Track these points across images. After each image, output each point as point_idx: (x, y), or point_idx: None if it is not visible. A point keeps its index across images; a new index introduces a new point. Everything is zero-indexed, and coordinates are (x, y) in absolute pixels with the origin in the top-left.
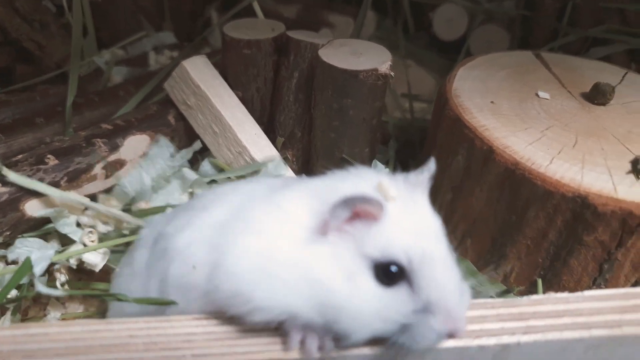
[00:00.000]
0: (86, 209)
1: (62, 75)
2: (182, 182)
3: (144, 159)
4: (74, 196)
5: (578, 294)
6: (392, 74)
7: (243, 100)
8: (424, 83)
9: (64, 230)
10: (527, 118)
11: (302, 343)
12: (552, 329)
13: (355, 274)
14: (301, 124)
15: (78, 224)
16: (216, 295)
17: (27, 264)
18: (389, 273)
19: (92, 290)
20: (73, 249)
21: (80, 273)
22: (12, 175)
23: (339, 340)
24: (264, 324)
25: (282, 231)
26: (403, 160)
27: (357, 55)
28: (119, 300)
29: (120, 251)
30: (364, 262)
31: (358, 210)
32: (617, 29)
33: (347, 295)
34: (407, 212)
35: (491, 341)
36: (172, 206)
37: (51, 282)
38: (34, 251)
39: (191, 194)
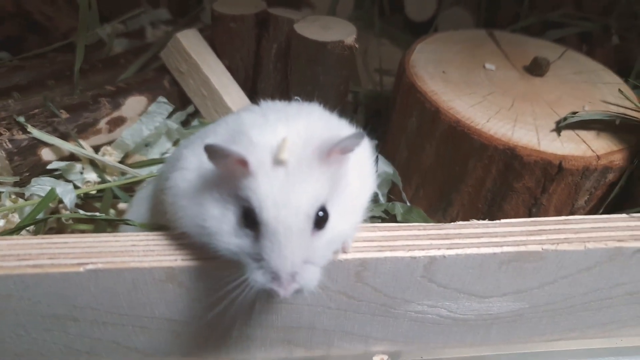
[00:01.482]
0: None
1: (69, 44)
2: (168, 135)
3: (144, 115)
4: (80, 149)
5: (495, 221)
6: (357, 45)
7: (229, 68)
8: (395, 60)
9: (71, 177)
10: (472, 85)
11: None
12: (471, 246)
13: (228, 208)
14: (279, 89)
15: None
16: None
17: (52, 194)
18: (248, 217)
19: (111, 217)
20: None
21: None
22: (35, 131)
23: None
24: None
25: (193, 166)
26: (372, 126)
27: (327, 29)
28: (133, 225)
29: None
30: (236, 201)
31: (230, 159)
32: (572, 13)
33: (217, 225)
34: (289, 178)
35: (421, 253)
36: (165, 159)
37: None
38: (58, 186)
39: (177, 143)
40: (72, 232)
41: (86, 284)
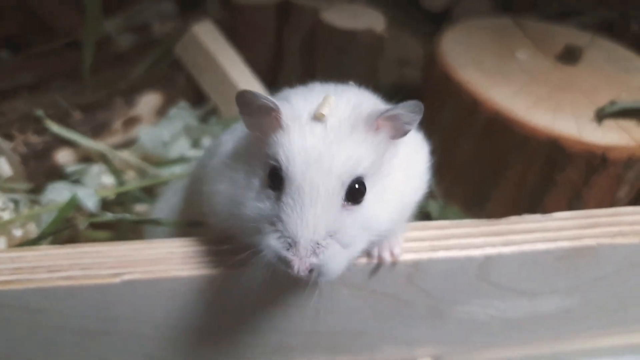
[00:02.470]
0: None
1: (72, 41)
2: (187, 133)
3: (165, 119)
4: (104, 147)
5: (547, 215)
6: (386, 35)
7: (248, 62)
8: (413, 51)
9: (88, 182)
10: (507, 75)
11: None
12: (526, 242)
13: (255, 173)
14: (302, 83)
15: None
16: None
17: (74, 199)
18: (273, 176)
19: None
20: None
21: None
22: (55, 127)
23: None
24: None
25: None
26: None
27: (355, 18)
28: (163, 225)
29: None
30: (263, 163)
31: (262, 110)
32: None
33: (242, 193)
34: (324, 136)
35: (476, 252)
36: (186, 158)
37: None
38: (79, 190)
39: (197, 142)
40: (87, 241)
41: (122, 296)
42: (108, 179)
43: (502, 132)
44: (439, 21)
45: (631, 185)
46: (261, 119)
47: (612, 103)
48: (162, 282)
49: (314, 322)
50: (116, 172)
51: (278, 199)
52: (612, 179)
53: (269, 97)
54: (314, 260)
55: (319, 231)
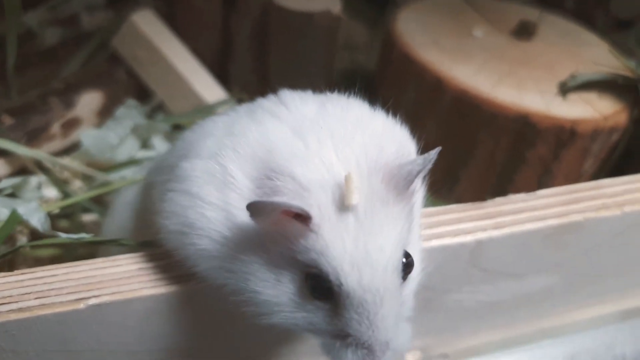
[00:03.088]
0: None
1: None
2: (135, 133)
3: (111, 120)
4: (42, 154)
5: (531, 193)
6: (342, 17)
7: (194, 52)
8: (360, 35)
9: (27, 196)
10: (467, 53)
11: None
12: (516, 223)
13: (285, 273)
14: (256, 72)
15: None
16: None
17: (15, 216)
18: (317, 286)
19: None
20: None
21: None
22: None
23: None
24: None
25: (211, 195)
26: None
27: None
28: (124, 245)
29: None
30: (294, 264)
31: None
32: None
33: (271, 293)
34: (363, 226)
35: (468, 238)
36: (136, 160)
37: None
38: (19, 206)
39: (146, 142)
40: (28, 263)
41: (87, 323)
42: (50, 192)
43: (469, 110)
44: (378, 5)
45: (595, 157)
46: (280, 222)
47: (573, 77)
48: (135, 303)
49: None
50: (58, 182)
51: (334, 311)
52: (580, 152)
53: (290, 203)
54: (389, 354)
55: (390, 330)
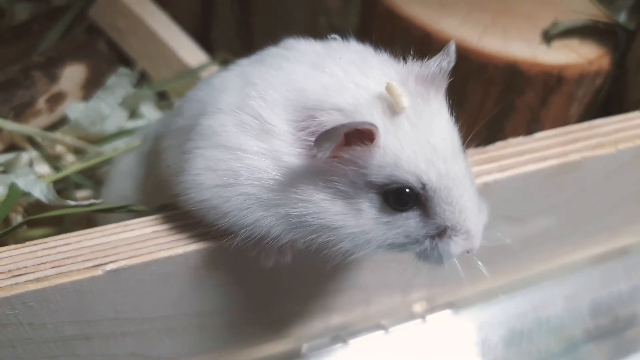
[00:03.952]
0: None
1: None
2: (124, 104)
3: (102, 90)
4: (32, 129)
5: (529, 136)
6: None
7: (174, 18)
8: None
9: (19, 173)
10: (448, 5)
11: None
12: (518, 165)
13: (359, 199)
14: (239, 35)
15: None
16: (184, 200)
17: (15, 190)
18: (400, 198)
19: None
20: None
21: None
22: None
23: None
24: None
25: (252, 145)
26: None
27: None
28: (135, 211)
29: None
30: (369, 188)
31: (353, 134)
32: None
33: (349, 225)
34: (418, 127)
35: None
36: (126, 131)
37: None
38: (17, 180)
39: (134, 112)
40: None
41: (105, 290)
42: (42, 168)
43: (458, 61)
44: None
45: (580, 102)
46: (350, 153)
47: (555, 24)
48: (152, 265)
49: (309, 284)
50: (49, 157)
51: (425, 214)
52: (566, 98)
53: (358, 120)
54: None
55: (477, 207)
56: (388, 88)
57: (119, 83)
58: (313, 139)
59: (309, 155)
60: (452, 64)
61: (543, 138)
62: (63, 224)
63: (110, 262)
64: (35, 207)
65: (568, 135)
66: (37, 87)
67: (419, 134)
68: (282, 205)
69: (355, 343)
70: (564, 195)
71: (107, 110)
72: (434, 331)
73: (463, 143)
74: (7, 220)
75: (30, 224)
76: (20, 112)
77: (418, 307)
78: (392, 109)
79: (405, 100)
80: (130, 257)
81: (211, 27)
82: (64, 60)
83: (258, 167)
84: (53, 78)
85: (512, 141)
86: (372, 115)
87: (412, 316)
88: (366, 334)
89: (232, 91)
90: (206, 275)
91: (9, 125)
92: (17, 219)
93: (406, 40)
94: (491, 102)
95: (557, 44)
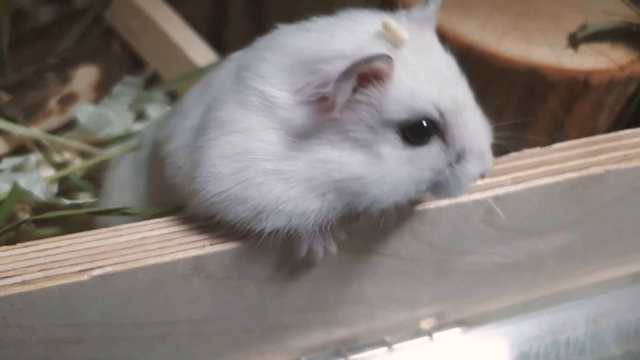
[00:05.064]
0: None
1: None
2: (132, 107)
3: (108, 97)
4: (38, 131)
5: (547, 147)
6: None
7: (187, 19)
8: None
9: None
10: (467, 7)
11: (310, 248)
12: (533, 177)
13: (378, 144)
14: (252, 37)
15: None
16: (201, 196)
17: (17, 189)
18: (420, 131)
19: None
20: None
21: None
22: None
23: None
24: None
25: (259, 122)
26: None
27: None
28: (134, 214)
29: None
30: (386, 129)
31: (366, 74)
32: None
33: (373, 172)
34: (422, 57)
35: (484, 195)
36: (133, 133)
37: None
38: (20, 178)
39: (141, 114)
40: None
41: (92, 295)
42: (48, 172)
43: (477, 66)
44: None
45: (610, 110)
46: (364, 91)
47: (584, 27)
48: (140, 273)
49: (309, 296)
50: (52, 161)
51: (444, 140)
52: (594, 105)
53: (371, 53)
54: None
55: (487, 129)
56: (385, 25)
57: (125, 91)
58: (319, 93)
59: (319, 111)
60: (435, 8)
61: (562, 149)
62: (67, 225)
63: (97, 267)
64: (43, 207)
65: (591, 146)
66: (49, 88)
67: (425, 63)
68: (302, 173)
69: (356, 359)
70: (586, 211)
71: (113, 117)
72: (442, 350)
73: None
74: (15, 220)
75: (39, 223)
76: (32, 113)
77: (425, 324)
78: (394, 43)
79: (404, 33)
80: (117, 264)
81: (224, 29)
82: (77, 62)
83: (269, 141)
84: (65, 79)
85: (527, 152)
86: (378, 50)
87: (418, 333)
88: (369, 350)
89: (231, 82)
90: (197, 284)
91: (16, 128)
92: (25, 217)
93: None
94: (511, 109)
95: (585, 47)
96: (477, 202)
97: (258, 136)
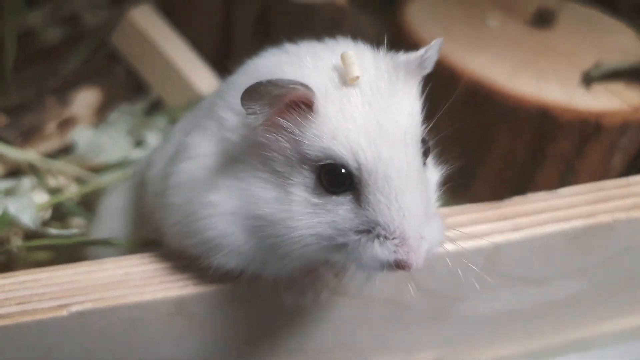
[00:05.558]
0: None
1: None
2: (129, 133)
3: (105, 124)
4: (35, 156)
5: (553, 192)
6: (348, 8)
7: (193, 45)
8: (366, 27)
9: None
10: (481, 42)
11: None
12: (536, 224)
13: (291, 181)
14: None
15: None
16: (162, 226)
17: (5, 217)
18: (335, 179)
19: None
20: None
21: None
22: None
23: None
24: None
25: (210, 150)
26: None
27: None
28: (116, 245)
29: None
30: (303, 166)
31: (293, 101)
32: None
33: (279, 210)
34: (368, 102)
35: (484, 242)
36: (130, 161)
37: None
38: (10, 203)
39: (140, 142)
40: (23, 266)
41: (70, 331)
42: (41, 197)
43: (485, 103)
44: None
45: (624, 152)
46: (282, 112)
47: (597, 66)
48: (120, 310)
49: (298, 339)
50: (47, 186)
51: (358, 202)
52: (606, 147)
53: (289, 78)
54: (425, 246)
55: (422, 215)
56: (342, 56)
57: (122, 117)
58: (250, 110)
59: (246, 128)
60: (433, 58)
61: (568, 195)
62: (62, 251)
63: (76, 303)
64: (35, 233)
65: (599, 192)
66: (48, 112)
67: (369, 110)
68: (229, 204)
69: None
70: (594, 259)
71: (108, 144)
72: None
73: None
74: (8, 243)
75: (32, 248)
76: (29, 136)
77: None
78: (344, 79)
79: (356, 70)
80: (97, 300)
81: (229, 57)
82: (79, 84)
83: (211, 167)
84: (65, 102)
85: (531, 197)
86: (314, 81)
87: None
88: None
89: (207, 107)
90: (180, 323)
91: (11, 152)
92: (17, 242)
93: (431, 78)
94: (521, 148)
95: (599, 87)
96: (477, 248)
97: (204, 163)
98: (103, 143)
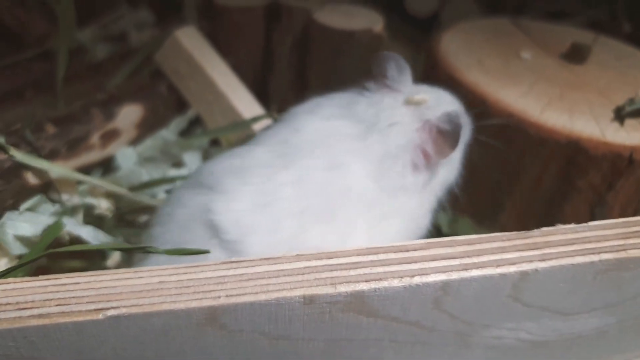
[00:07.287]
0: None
1: (43, 51)
2: (164, 153)
3: (143, 144)
4: (72, 172)
5: (584, 224)
6: (384, 35)
7: (234, 67)
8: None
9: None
10: (513, 75)
11: None
12: (564, 255)
13: None
14: (294, 88)
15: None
16: None
17: (59, 225)
18: None
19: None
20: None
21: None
22: (17, 154)
23: None
24: None
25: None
26: None
27: (351, 17)
28: (155, 252)
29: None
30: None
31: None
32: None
33: None
34: None
35: (511, 269)
36: (169, 179)
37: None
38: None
39: (177, 163)
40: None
41: (105, 334)
42: (79, 212)
43: (516, 134)
44: (422, 27)
45: None
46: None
47: (632, 101)
48: (154, 317)
49: (325, 357)
50: (83, 202)
51: None
52: (639, 182)
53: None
54: None
55: None
56: (408, 99)
57: (155, 145)
58: None
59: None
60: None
61: (599, 228)
62: (94, 261)
63: (112, 307)
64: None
65: (630, 227)
66: (93, 123)
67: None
68: None
69: None
70: (623, 295)
71: (145, 177)
72: None
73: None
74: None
75: (70, 255)
76: (74, 146)
77: None
78: None
79: (422, 96)
80: (133, 306)
81: (269, 79)
82: (123, 99)
83: None
84: (110, 116)
85: (561, 228)
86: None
87: None
88: None
89: None
90: (211, 333)
91: (51, 167)
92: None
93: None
94: (550, 180)
95: (633, 122)
96: (504, 276)
97: None
98: (141, 177)
